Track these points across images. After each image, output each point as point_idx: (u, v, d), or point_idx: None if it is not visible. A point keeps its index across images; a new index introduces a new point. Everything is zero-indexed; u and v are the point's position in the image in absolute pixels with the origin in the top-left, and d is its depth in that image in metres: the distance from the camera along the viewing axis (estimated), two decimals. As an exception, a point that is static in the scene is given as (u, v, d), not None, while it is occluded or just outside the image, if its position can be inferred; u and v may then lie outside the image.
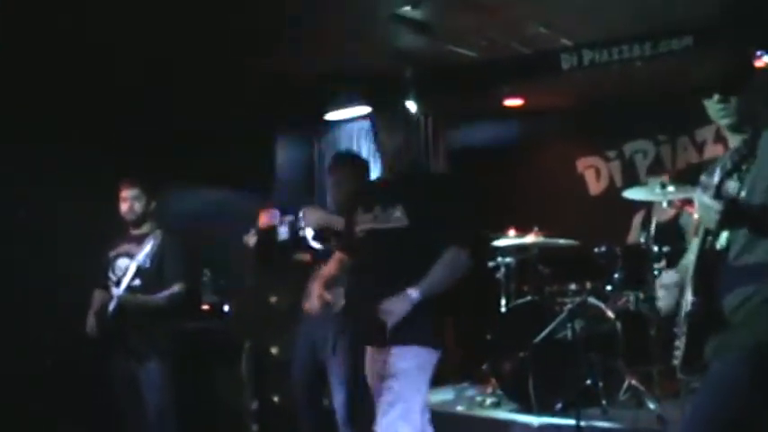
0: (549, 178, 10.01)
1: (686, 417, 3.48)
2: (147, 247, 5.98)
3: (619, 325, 6.83)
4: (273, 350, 7.00)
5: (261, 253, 5.94)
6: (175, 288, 6.15)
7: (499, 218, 7.83)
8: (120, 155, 7.10)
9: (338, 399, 5.66)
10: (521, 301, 7.42)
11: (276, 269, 6.36)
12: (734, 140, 3.40)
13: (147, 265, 6.00)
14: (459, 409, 7.28)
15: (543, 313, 6.98)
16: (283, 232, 5.85)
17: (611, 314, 6.90)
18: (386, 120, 4.96)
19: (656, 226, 7.16)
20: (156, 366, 6.04)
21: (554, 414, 6.58)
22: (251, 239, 5.94)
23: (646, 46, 7.41)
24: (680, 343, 3.39)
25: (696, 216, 3.15)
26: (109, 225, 6.42)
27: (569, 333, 6.74)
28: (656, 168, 9.16)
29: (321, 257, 5.47)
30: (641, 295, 7.10)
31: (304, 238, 5.70)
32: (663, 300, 3.59)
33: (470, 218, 4.75)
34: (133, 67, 7.32)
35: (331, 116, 9.20)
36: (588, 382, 6.67)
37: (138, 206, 6.26)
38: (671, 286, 3.54)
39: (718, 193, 3.13)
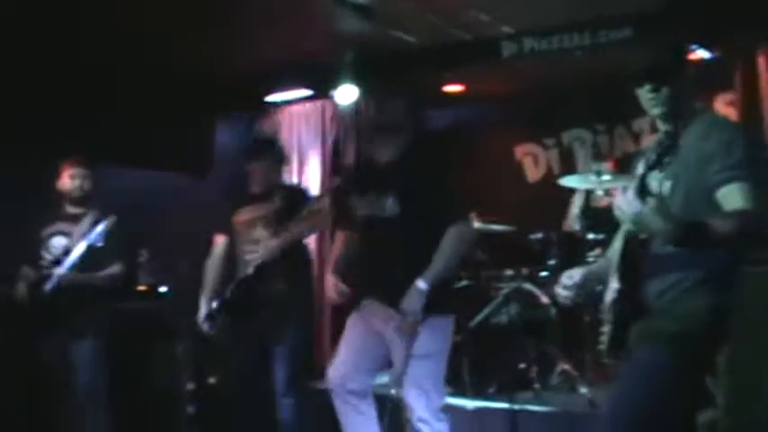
0: (488, 165, 10.06)
1: (611, 402, 3.54)
2: (97, 227, 5.93)
3: (553, 311, 6.92)
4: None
5: None
6: (115, 269, 6.14)
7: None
8: (54, 134, 7.04)
9: (280, 373, 5.81)
10: (457, 285, 7.47)
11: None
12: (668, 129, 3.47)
13: (100, 244, 5.95)
14: (395, 392, 7.31)
15: (479, 298, 7.05)
16: None
17: (545, 300, 6.98)
18: (377, 106, 5.10)
19: (593, 213, 7.26)
20: (90, 344, 6.03)
21: (488, 397, 6.65)
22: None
23: (585, 36, 7.46)
24: (605, 329, 3.45)
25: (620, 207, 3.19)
26: (35, 203, 6.37)
27: (504, 318, 6.82)
28: (598, 156, 9.27)
29: None
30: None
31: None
32: (562, 296, 3.64)
33: (456, 192, 5.04)
34: (70, 50, 7.25)
35: (271, 98, 9.18)
36: (522, 366, 6.76)
37: (86, 185, 6.22)
38: (571, 287, 3.60)
39: (642, 188, 3.18)
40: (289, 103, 9.27)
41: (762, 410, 4.94)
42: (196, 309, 6.02)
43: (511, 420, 6.10)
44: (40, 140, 7.15)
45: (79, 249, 5.96)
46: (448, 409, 4.92)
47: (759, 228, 3.21)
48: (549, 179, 9.51)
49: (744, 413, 5.03)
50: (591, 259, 6.85)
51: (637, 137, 9.17)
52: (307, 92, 9.02)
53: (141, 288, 7.51)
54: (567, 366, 6.81)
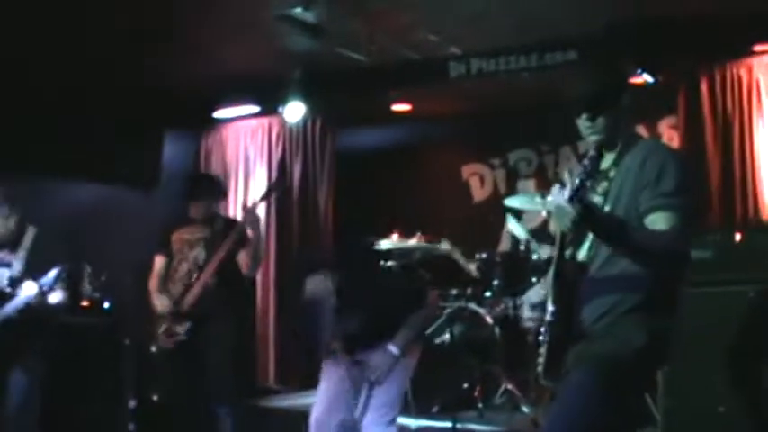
0: (435, 184, 10.12)
1: (549, 420, 3.58)
2: (49, 274, 5.73)
3: (497, 330, 6.95)
4: (153, 348, 6.92)
5: None
6: (59, 296, 5.91)
7: (384, 221, 7.88)
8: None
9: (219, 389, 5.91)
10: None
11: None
12: (607, 154, 3.51)
13: (20, 273, 5.79)
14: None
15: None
16: None
17: (489, 320, 7.01)
18: None
19: (529, 233, 7.33)
20: (28, 368, 5.82)
21: (431, 417, 6.67)
22: None
23: (532, 58, 7.55)
24: (543, 350, 3.49)
25: (551, 225, 3.26)
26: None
27: (448, 337, 6.84)
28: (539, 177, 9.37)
29: None
30: (519, 302, 7.24)
31: None
32: (532, 319, 3.68)
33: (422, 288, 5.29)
34: (14, 64, 7.19)
35: (219, 114, 9.16)
36: (465, 385, 6.79)
37: (10, 223, 5.97)
38: (538, 306, 3.64)
39: (574, 198, 3.22)
40: (236, 119, 9.27)
41: (698, 428, 5.02)
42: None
43: (454, 440, 6.13)
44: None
45: (27, 290, 5.74)
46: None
47: (675, 249, 3.27)
48: (495, 199, 9.58)
49: (681, 430, 5.11)
50: (534, 279, 6.91)
51: (582, 158, 9.23)
52: (254, 108, 9.01)
53: (84, 304, 7.42)
54: (510, 386, 6.84)
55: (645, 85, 7.28)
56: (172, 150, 9.38)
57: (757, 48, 7.10)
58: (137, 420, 7.09)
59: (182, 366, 5.97)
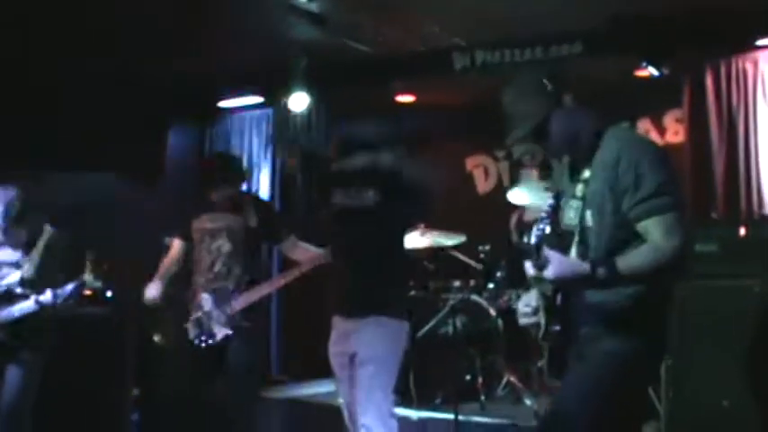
0: (438, 175, 10.09)
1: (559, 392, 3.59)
2: (67, 287, 5.69)
3: (500, 322, 6.95)
4: (156, 337, 6.94)
5: None
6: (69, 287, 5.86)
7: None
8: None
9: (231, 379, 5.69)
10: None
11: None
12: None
13: (31, 275, 5.76)
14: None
15: (426, 308, 7.06)
16: None
17: (492, 312, 7.02)
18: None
19: (528, 226, 7.31)
20: (25, 363, 5.77)
21: (433, 408, 6.68)
22: None
23: (537, 50, 7.53)
24: (545, 351, 3.50)
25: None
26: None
27: (451, 329, 6.84)
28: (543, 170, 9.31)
29: None
30: (522, 294, 7.21)
31: None
32: (525, 320, 3.67)
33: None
34: (18, 56, 7.18)
35: (224, 104, 9.16)
36: (468, 377, 6.79)
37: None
38: (530, 313, 3.63)
39: (538, 255, 3.36)
40: (240, 109, 9.26)
41: (702, 422, 5.02)
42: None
43: (456, 431, 6.13)
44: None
45: (42, 298, 5.70)
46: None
47: (669, 259, 3.25)
48: (499, 191, 9.55)
49: (685, 424, 5.11)
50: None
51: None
52: (258, 99, 9.00)
53: (87, 293, 7.41)
54: (512, 378, 6.85)
55: (650, 78, 7.27)
56: (176, 141, 9.38)
57: (763, 41, 7.08)
58: (140, 409, 7.10)
59: (201, 363, 5.74)
